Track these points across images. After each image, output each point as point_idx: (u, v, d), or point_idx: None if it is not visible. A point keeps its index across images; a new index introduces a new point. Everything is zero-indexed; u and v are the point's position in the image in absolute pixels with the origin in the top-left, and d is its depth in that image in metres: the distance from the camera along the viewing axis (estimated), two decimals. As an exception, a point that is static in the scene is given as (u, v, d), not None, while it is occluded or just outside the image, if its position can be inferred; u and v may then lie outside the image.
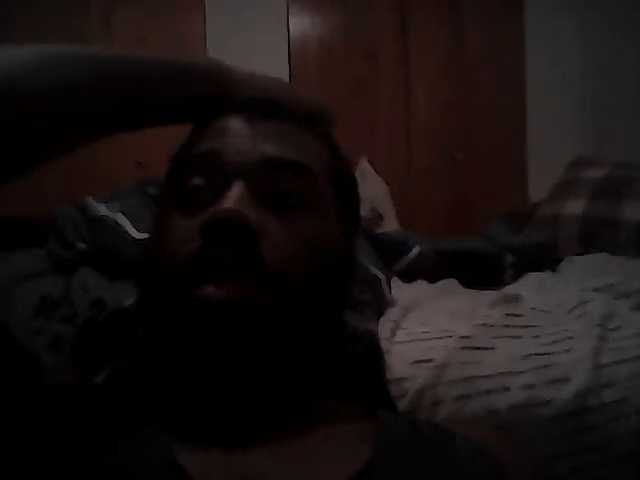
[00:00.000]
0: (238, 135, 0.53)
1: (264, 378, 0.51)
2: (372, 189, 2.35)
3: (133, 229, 0.82)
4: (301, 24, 2.61)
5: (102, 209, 0.89)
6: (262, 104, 0.56)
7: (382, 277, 0.82)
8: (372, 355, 0.68)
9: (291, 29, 2.59)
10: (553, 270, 1.13)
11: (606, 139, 2.42)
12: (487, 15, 2.65)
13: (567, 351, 0.67)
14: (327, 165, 0.57)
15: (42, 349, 0.70)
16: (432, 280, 1.03)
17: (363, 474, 0.45)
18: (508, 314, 0.73)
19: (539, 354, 0.67)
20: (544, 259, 1.17)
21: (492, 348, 0.68)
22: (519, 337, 0.69)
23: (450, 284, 1.01)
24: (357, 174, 2.42)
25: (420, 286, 0.97)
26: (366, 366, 0.68)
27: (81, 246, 0.85)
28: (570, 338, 0.69)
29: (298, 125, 0.56)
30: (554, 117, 2.59)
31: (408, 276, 1.06)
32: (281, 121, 0.55)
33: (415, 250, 1.11)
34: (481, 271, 1.11)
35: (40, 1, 2.50)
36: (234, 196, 0.48)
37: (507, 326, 0.71)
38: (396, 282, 0.99)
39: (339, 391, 0.59)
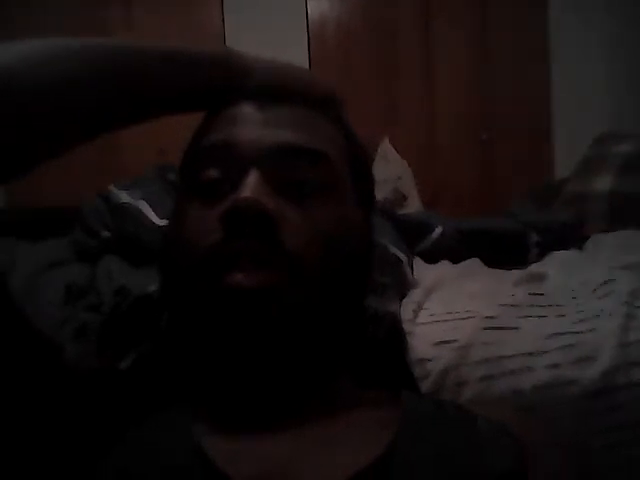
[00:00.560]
0: (250, 122, 0.53)
1: (289, 363, 0.51)
2: (394, 170, 2.33)
3: (155, 216, 0.82)
4: (319, 6, 2.58)
5: (124, 196, 0.89)
6: (274, 89, 0.55)
7: (404, 258, 0.81)
8: (394, 337, 0.68)
9: (309, 11, 2.57)
10: (579, 248, 1.11)
11: (632, 115, 2.36)
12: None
13: (593, 330, 0.66)
14: (343, 149, 0.56)
15: (69, 338, 0.72)
16: (455, 260, 1.02)
17: (384, 458, 0.45)
18: (532, 293, 0.72)
19: (564, 333, 0.66)
20: (570, 237, 1.15)
21: (516, 328, 0.67)
22: (544, 316, 0.69)
23: (474, 264, 1.00)
24: (379, 155, 2.40)
25: (443, 267, 0.96)
26: (388, 348, 0.68)
27: (105, 234, 0.86)
28: (596, 316, 0.67)
29: (312, 109, 0.55)
30: (579, 94, 2.54)
31: (431, 257, 1.05)
32: (294, 106, 0.54)
33: (438, 230, 1.10)
34: (505, 250, 1.09)
35: (58, 7, 2.51)
36: (251, 185, 0.48)
37: (531, 305, 0.70)
38: (419, 263, 0.98)
39: (363, 375, 0.59)
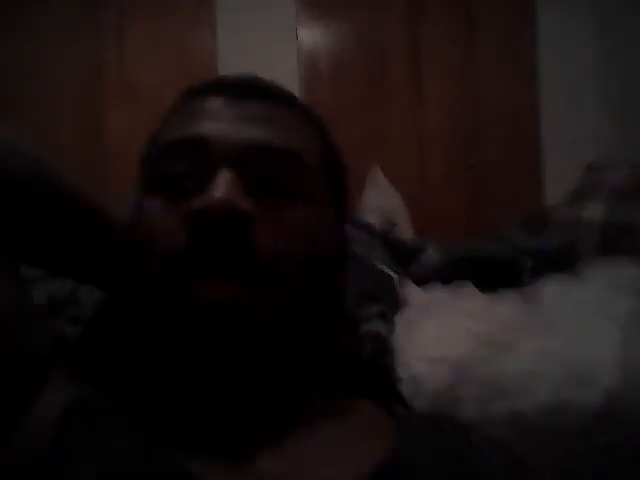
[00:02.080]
0: (220, 118, 0.49)
1: (263, 376, 0.48)
2: (384, 197, 2.33)
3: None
4: (311, 35, 2.60)
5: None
6: (243, 82, 0.52)
7: (394, 276, 0.79)
8: (380, 355, 0.65)
9: (300, 40, 2.60)
10: (572, 274, 1.10)
11: (622, 143, 2.39)
12: (499, 23, 2.63)
13: (591, 349, 0.64)
14: (317, 148, 0.53)
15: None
16: (447, 284, 1.01)
17: (389, 463, 0.43)
18: (528, 312, 0.71)
19: (562, 353, 0.64)
20: (563, 263, 1.14)
21: (513, 346, 0.65)
22: (541, 335, 0.67)
23: (466, 286, 0.98)
24: (369, 182, 2.40)
25: (435, 289, 0.94)
26: (375, 367, 0.65)
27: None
28: (594, 336, 0.66)
29: (283, 105, 0.52)
30: (568, 121, 2.56)
31: (422, 280, 1.04)
32: (264, 101, 0.51)
33: (429, 253, 1.09)
34: (498, 275, 1.08)
35: (51, 15, 2.53)
36: (223, 184, 0.44)
37: (527, 324, 0.68)
38: (409, 285, 0.96)
39: (350, 390, 0.57)
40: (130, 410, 0.48)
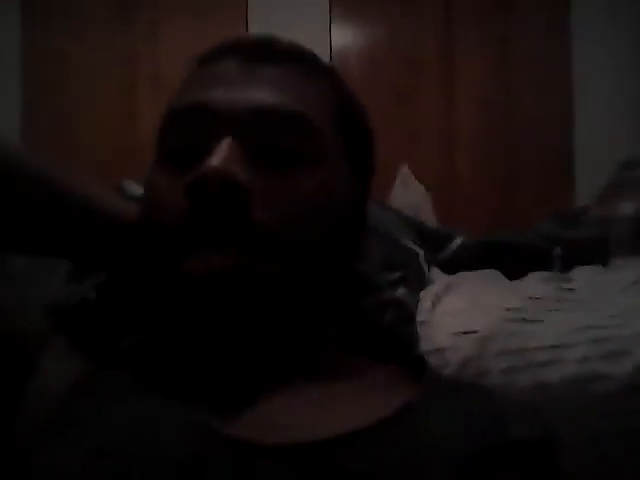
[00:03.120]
0: (227, 82, 0.48)
1: (272, 341, 0.48)
2: (413, 196, 2.31)
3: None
4: (343, 34, 2.61)
5: (138, 189, 0.88)
6: (259, 44, 0.51)
7: (420, 251, 0.78)
8: (401, 321, 0.64)
9: (333, 40, 2.60)
10: (604, 265, 1.07)
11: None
12: (533, 19, 2.60)
13: (624, 325, 0.62)
14: (333, 112, 0.51)
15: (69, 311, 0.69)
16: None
17: (404, 411, 0.42)
18: (559, 288, 0.69)
19: (594, 327, 0.61)
20: (595, 254, 1.11)
21: (542, 320, 0.63)
22: (572, 310, 0.65)
23: (494, 273, 0.96)
24: (398, 181, 2.39)
25: (462, 273, 0.92)
26: (396, 332, 0.64)
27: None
28: (627, 312, 0.63)
29: (299, 67, 0.51)
30: (602, 120, 2.52)
31: (450, 268, 1.02)
32: (280, 64, 0.49)
33: (458, 240, 1.07)
34: (528, 263, 1.05)
35: (84, 12, 2.57)
36: (221, 153, 0.43)
37: (558, 299, 0.66)
38: (436, 272, 0.94)
39: (375, 356, 0.56)
40: (139, 376, 0.48)
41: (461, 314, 0.65)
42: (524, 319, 0.63)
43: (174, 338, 0.50)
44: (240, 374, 0.47)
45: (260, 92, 0.47)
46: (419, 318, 0.65)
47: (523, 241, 1.07)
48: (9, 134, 2.47)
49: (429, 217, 2.25)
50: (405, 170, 2.33)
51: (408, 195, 2.19)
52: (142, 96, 2.47)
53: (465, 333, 0.63)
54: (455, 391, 0.48)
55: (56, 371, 0.49)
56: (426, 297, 0.69)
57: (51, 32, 2.57)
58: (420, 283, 0.74)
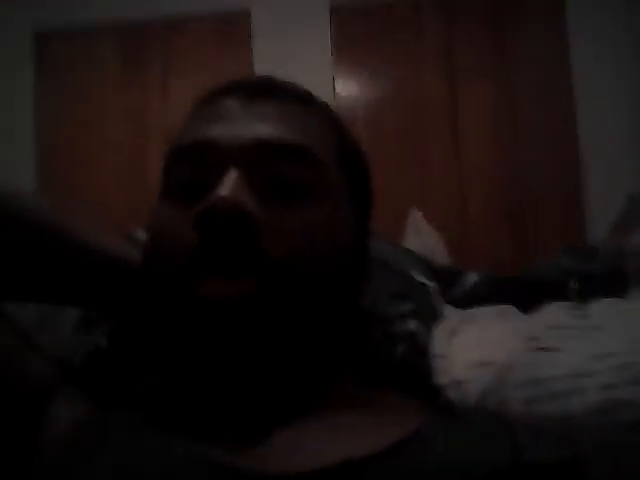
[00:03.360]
0: (231, 118, 0.49)
1: (282, 371, 0.47)
2: (425, 241, 2.31)
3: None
4: (348, 86, 2.67)
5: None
6: (258, 83, 0.53)
7: (431, 285, 0.77)
8: (413, 353, 0.63)
9: (337, 89, 2.66)
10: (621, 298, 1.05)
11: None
12: (535, 62, 2.65)
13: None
14: (334, 147, 0.52)
15: (82, 361, 0.68)
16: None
17: (404, 441, 0.41)
18: (576, 316, 0.67)
19: (615, 354, 0.60)
20: (612, 286, 1.09)
21: (561, 349, 0.62)
22: (591, 338, 0.63)
23: (508, 308, 0.95)
24: (410, 225, 2.39)
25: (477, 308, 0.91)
26: (408, 364, 0.63)
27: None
28: (649, 337, 0.62)
29: (300, 105, 0.52)
30: (609, 159, 2.52)
31: (465, 305, 1.00)
32: (280, 101, 0.51)
33: (471, 277, 1.06)
34: (543, 297, 1.04)
35: (97, 72, 2.65)
36: (228, 184, 0.44)
37: (576, 327, 0.65)
38: (450, 309, 0.93)
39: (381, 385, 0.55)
40: (151, 415, 0.47)
41: (478, 345, 0.64)
42: (543, 348, 0.62)
43: (186, 371, 0.49)
44: (250, 407, 0.47)
45: (264, 126, 0.48)
46: (434, 351, 0.64)
47: (538, 275, 1.06)
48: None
49: (443, 259, 2.24)
50: (416, 214, 2.34)
51: (420, 239, 2.19)
52: (153, 150, 2.52)
53: (483, 364, 0.61)
54: (471, 419, 0.47)
55: (67, 418, 0.48)
56: (441, 330, 0.68)
57: (64, 88, 2.65)
58: (433, 317, 0.73)
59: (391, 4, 2.70)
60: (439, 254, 2.21)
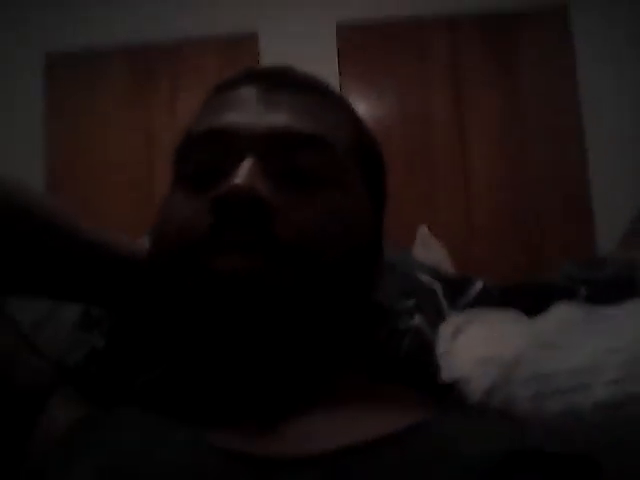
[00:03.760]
0: (248, 107, 0.50)
1: (284, 353, 0.47)
2: (434, 256, 2.30)
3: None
4: (355, 103, 2.69)
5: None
6: (276, 73, 0.53)
7: (437, 286, 0.76)
8: (418, 349, 0.62)
9: (346, 109, 2.68)
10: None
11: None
12: (541, 75, 2.66)
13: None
14: (350, 138, 0.53)
15: (79, 362, 0.68)
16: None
17: (416, 429, 0.40)
18: (584, 313, 0.66)
19: (625, 349, 0.59)
20: (621, 294, 1.08)
21: (568, 345, 0.60)
22: (600, 333, 0.62)
23: (515, 312, 0.94)
24: (418, 241, 2.38)
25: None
26: (414, 360, 0.62)
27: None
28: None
29: (315, 94, 0.53)
30: (616, 173, 2.52)
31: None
32: (298, 91, 0.52)
33: (479, 284, 1.05)
34: (551, 304, 1.03)
35: (106, 93, 2.69)
36: (245, 171, 0.45)
37: (583, 322, 0.64)
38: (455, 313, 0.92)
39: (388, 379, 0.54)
40: (150, 407, 0.47)
41: (484, 342, 0.63)
42: (549, 344, 0.61)
43: (193, 358, 0.49)
44: (257, 395, 0.46)
45: (279, 115, 0.49)
46: (440, 349, 0.63)
47: (546, 282, 1.05)
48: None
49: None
50: (424, 230, 2.34)
51: (429, 255, 2.18)
52: (160, 169, 2.54)
53: (489, 360, 0.60)
54: (478, 414, 0.46)
55: (63, 418, 0.48)
56: (446, 328, 0.67)
57: (74, 109, 2.68)
58: (438, 315, 0.72)
59: (395, 22, 2.73)
60: (446, 268, 2.20)
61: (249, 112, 0.49)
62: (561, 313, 0.68)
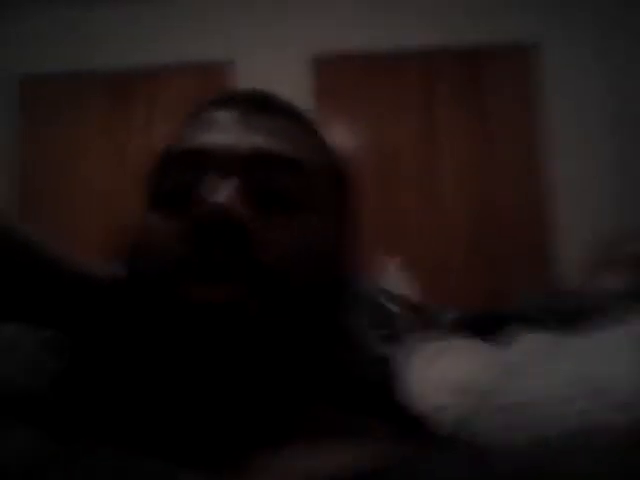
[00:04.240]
0: (226, 128, 0.50)
1: (257, 382, 0.46)
2: (404, 286, 2.32)
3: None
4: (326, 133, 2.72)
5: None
6: (254, 97, 0.54)
7: (407, 316, 0.77)
8: (387, 377, 0.62)
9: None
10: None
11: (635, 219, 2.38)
12: (511, 115, 2.72)
13: (624, 377, 0.60)
14: (323, 162, 0.53)
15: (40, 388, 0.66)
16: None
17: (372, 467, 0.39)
18: (554, 342, 0.67)
19: (594, 378, 0.59)
20: (588, 323, 1.09)
21: (539, 374, 0.61)
22: (569, 363, 0.63)
23: (484, 342, 0.95)
24: (388, 272, 2.39)
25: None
26: (382, 389, 0.62)
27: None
28: (629, 364, 0.61)
29: (291, 119, 0.53)
30: (582, 209, 2.58)
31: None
32: (274, 115, 0.52)
33: (450, 314, 1.06)
34: (519, 334, 1.04)
35: (82, 118, 2.67)
36: (224, 192, 0.44)
37: (553, 352, 0.64)
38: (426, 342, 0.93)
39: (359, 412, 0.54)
40: (111, 437, 0.45)
41: (454, 373, 0.63)
42: (520, 373, 0.61)
43: (161, 388, 0.47)
44: (226, 430, 0.45)
45: (259, 138, 0.49)
46: (411, 378, 0.63)
47: (515, 313, 1.06)
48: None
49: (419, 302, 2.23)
50: (394, 260, 2.35)
51: (398, 285, 2.19)
52: (135, 191, 2.52)
53: (460, 390, 0.61)
54: (446, 447, 0.46)
55: (23, 449, 0.46)
56: (417, 358, 0.67)
57: (49, 133, 2.66)
58: (409, 347, 0.72)
59: (370, 55, 2.79)
60: (415, 299, 2.21)
61: (229, 133, 0.49)
62: (530, 342, 0.69)
